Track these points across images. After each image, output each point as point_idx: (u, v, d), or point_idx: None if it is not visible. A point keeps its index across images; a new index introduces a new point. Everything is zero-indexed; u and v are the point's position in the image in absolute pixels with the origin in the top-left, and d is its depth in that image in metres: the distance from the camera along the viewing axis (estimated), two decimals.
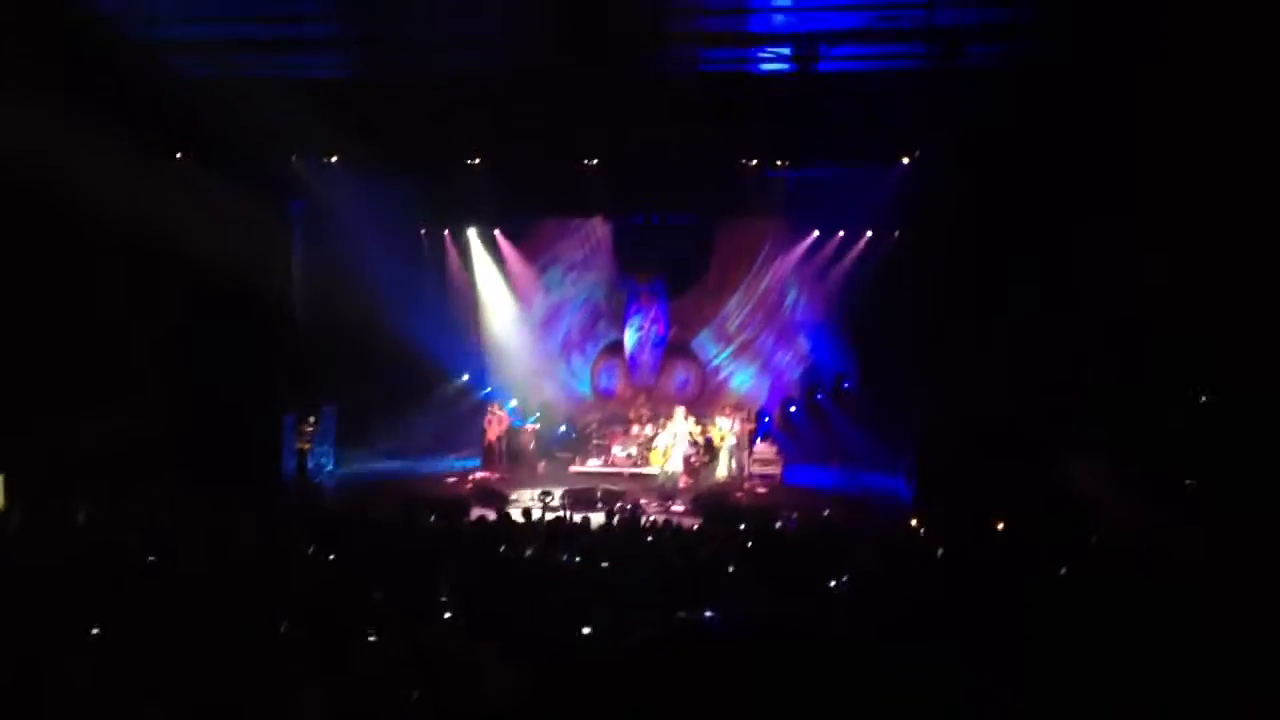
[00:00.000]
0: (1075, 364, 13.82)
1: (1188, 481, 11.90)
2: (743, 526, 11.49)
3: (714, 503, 14.70)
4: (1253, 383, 12.12)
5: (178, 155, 14.87)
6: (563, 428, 18.79)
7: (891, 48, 13.44)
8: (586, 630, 7.22)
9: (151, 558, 9.52)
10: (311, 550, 9.82)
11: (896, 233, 17.18)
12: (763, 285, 19.39)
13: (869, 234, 17.60)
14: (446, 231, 19.16)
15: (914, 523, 11.91)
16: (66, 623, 7.02)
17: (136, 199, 13.01)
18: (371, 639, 6.86)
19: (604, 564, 9.17)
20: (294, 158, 15.59)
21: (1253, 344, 11.97)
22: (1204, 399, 13.15)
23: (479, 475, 16.88)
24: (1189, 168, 11.86)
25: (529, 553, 9.84)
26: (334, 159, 15.55)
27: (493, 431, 17.37)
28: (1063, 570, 9.30)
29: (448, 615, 7.65)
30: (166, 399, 15.24)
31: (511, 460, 17.55)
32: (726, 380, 19.64)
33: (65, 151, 11.95)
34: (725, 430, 17.12)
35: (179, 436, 14.45)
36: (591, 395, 19.78)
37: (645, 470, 16.77)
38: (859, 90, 13.82)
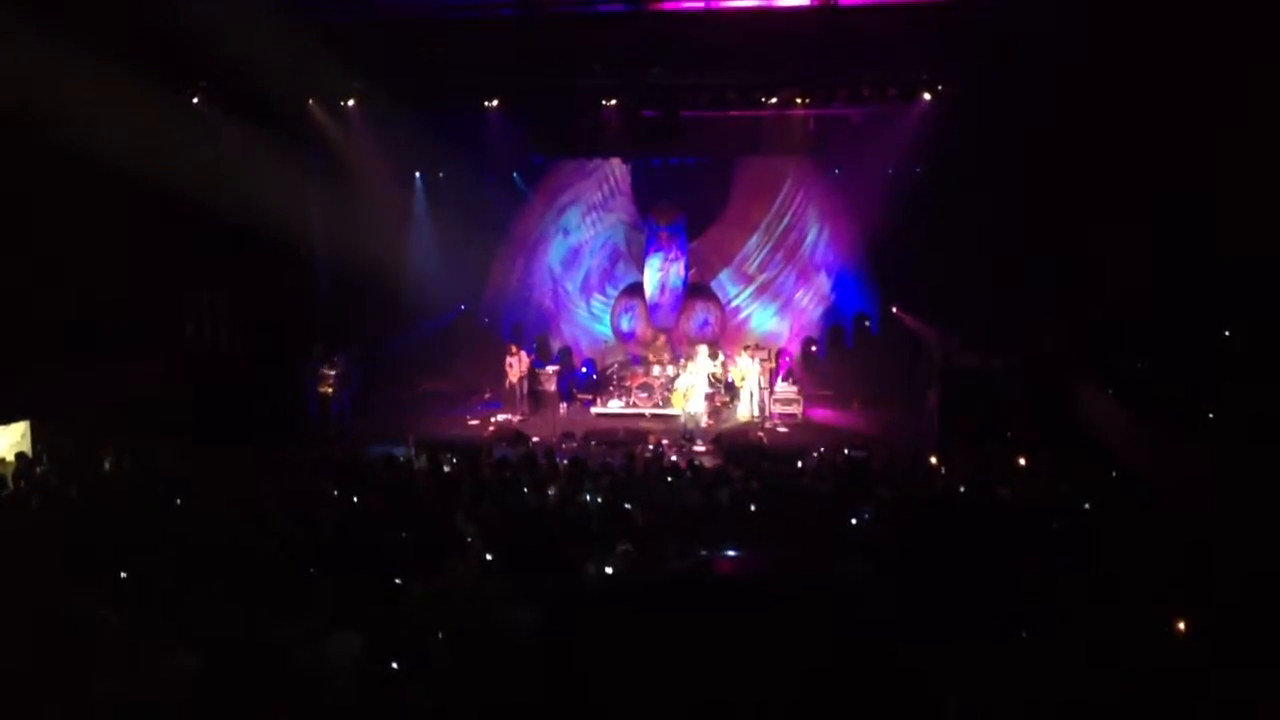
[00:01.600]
0: (1097, 302, 13.72)
1: (1210, 415, 11.82)
2: (764, 466, 11.53)
3: (735, 443, 14.76)
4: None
5: (194, 100, 14.81)
6: (584, 369, 18.81)
7: None
8: (609, 569, 7.29)
9: (178, 501, 9.67)
10: (337, 493, 9.93)
11: (918, 169, 16.99)
12: (783, 224, 19.29)
13: (890, 170, 17.41)
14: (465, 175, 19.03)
15: (934, 461, 11.90)
16: (96, 567, 7.13)
17: (153, 143, 12.97)
18: (398, 580, 6.96)
19: (626, 505, 9.23)
20: (310, 102, 15.54)
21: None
22: (1227, 334, 13.03)
23: (500, 417, 16.94)
24: (1218, 101, 11.62)
25: (551, 493, 9.92)
26: (350, 103, 15.49)
27: (514, 373, 17.40)
28: (1085, 507, 9.33)
29: (473, 555, 7.73)
30: (188, 344, 15.37)
31: (532, 402, 17.61)
32: (747, 320, 19.60)
33: (80, 95, 11.91)
34: (746, 370, 17.09)
35: (201, 382, 14.58)
36: (612, 337, 19.79)
37: (667, 411, 16.81)
38: (878, 24, 13.58)
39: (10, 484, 10.10)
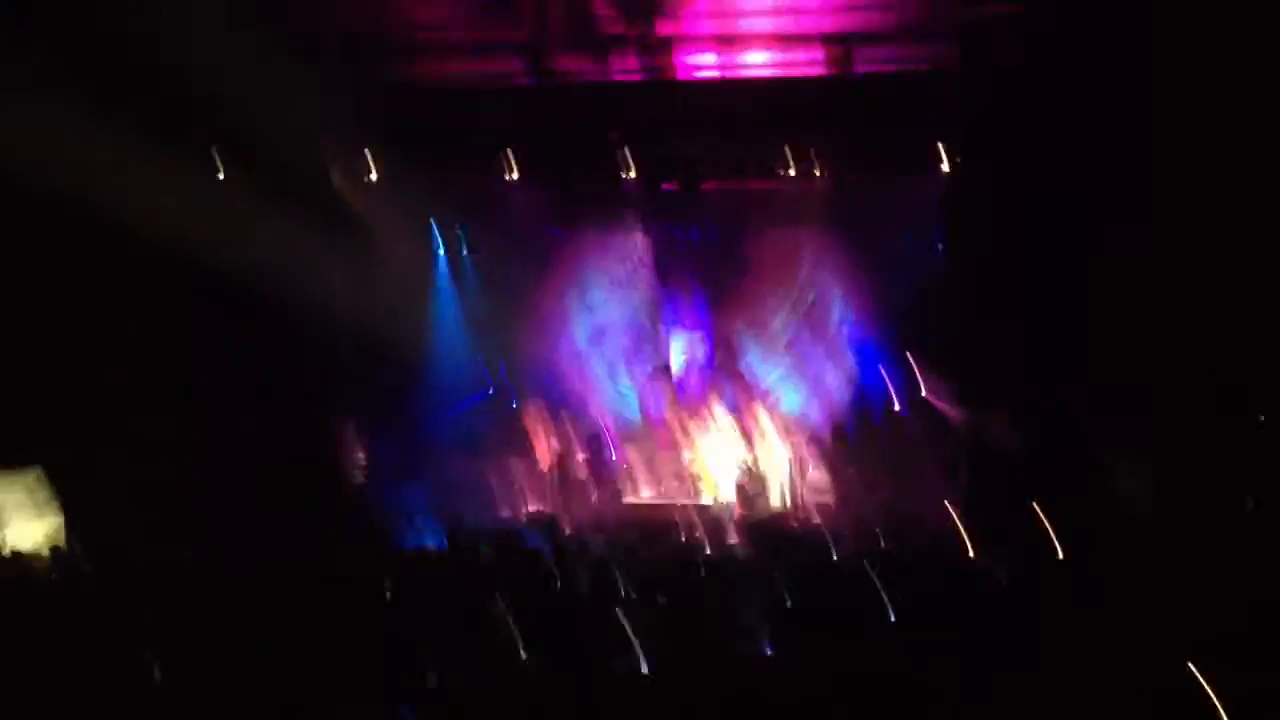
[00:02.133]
0: (1132, 377, 13.60)
1: (1250, 504, 11.69)
2: (798, 557, 11.43)
3: (767, 533, 14.61)
4: None
5: (218, 171, 14.89)
6: (613, 456, 18.72)
7: (926, 49, 13.27)
8: (643, 667, 7.23)
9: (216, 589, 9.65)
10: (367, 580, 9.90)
11: (940, 245, 16.93)
12: (805, 298, 19.05)
13: (910, 242, 17.34)
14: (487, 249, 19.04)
15: (971, 553, 11.76)
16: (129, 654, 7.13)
17: (174, 215, 13.04)
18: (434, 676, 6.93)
19: (659, 598, 9.16)
20: (332, 171, 15.69)
21: None
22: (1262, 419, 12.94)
23: (532, 505, 16.87)
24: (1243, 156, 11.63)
25: (584, 584, 9.86)
26: (372, 176, 15.61)
27: (544, 459, 17.37)
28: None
29: (508, 648, 7.67)
30: (210, 425, 15.20)
31: (563, 489, 17.51)
32: (776, 403, 19.45)
33: (98, 160, 12.07)
34: (776, 454, 16.97)
35: (225, 464, 14.41)
36: (640, 421, 19.68)
37: (699, 500, 16.68)
38: (897, 94, 13.66)
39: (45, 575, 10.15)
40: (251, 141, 13.47)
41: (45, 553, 11.33)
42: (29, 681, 6.64)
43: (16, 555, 11.48)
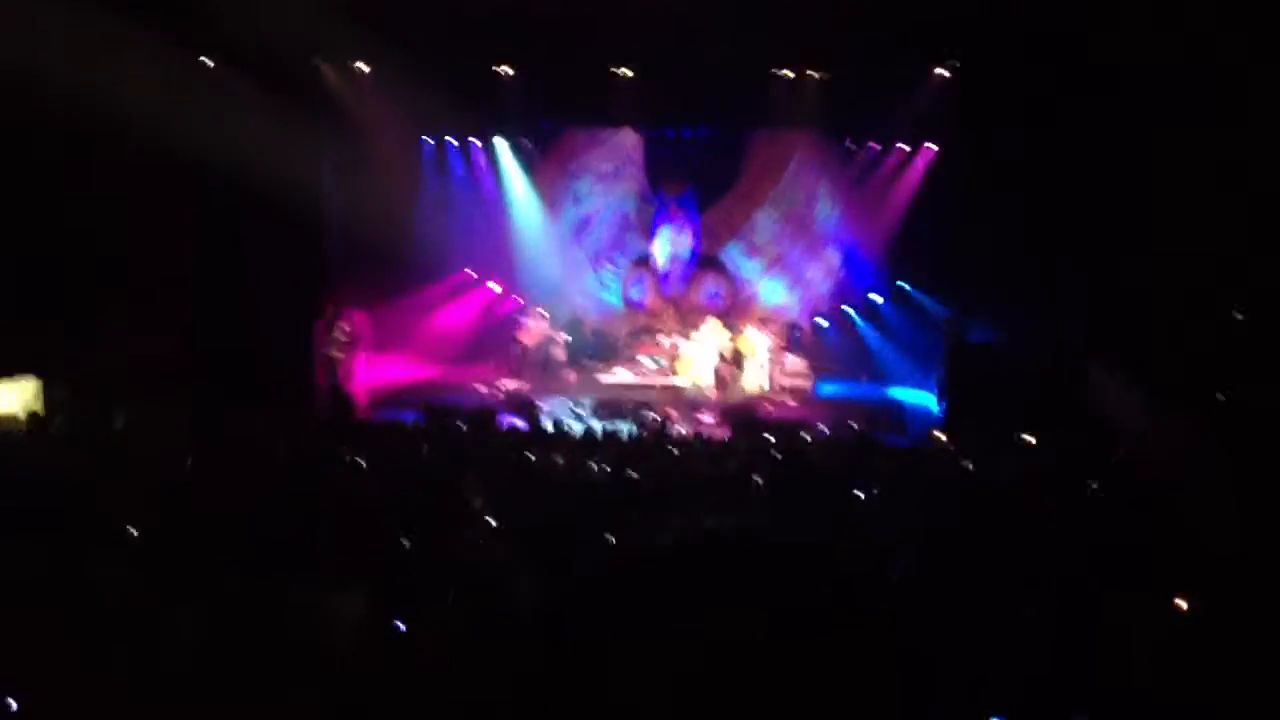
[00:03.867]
0: (1112, 281, 13.67)
1: (1218, 396, 11.82)
2: (770, 438, 11.56)
3: (742, 415, 14.79)
4: None
5: (204, 59, 14.73)
6: (592, 338, 18.81)
7: None
8: (613, 537, 7.33)
9: (189, 461, 9.72)
10: (343, 457, 9.98)
11: (934, 145, 16.91)
12: (794, 197, 19.18)
13: (903, 145, 17.33)
14: (476, 141, 18.96)
15: (942, 437, 11.92)
16: (105, 526, 7.19)
17: (163, 102, 12.95)
18: (406, 544, 7.01)
19: (633, 474, 9.27)
20: (320, 64, 15.48)
21: None
22: (1237, 315, 13.00)
23: (509, 384, 16.98)
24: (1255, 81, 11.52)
25: (558, 461, 9.97)
26: (363, 66, 15.41)
27: (529, 338, 17.42)
28: (1092, 486, 9.34)
29: (481, 521, 7.77)
30: (197, 306, 15.37)
31: (542, 369, 17.63)
32: (756, 293, 19.56)
33: (90, 55, 11.88)
34: (755, 343, 17.10)
35: (211, 345, 14.60)
36: (621, 306, 19.78)
37: (674, 381, 16.82)
38: None
39: (24, 441, 10.19)
40: (244, 37, 13.34)
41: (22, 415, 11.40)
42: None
43: None
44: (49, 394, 12.48)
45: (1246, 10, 11.24)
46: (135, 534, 7.13)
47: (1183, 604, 5.61)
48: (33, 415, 11.39)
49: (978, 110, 14.60)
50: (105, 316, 13.11)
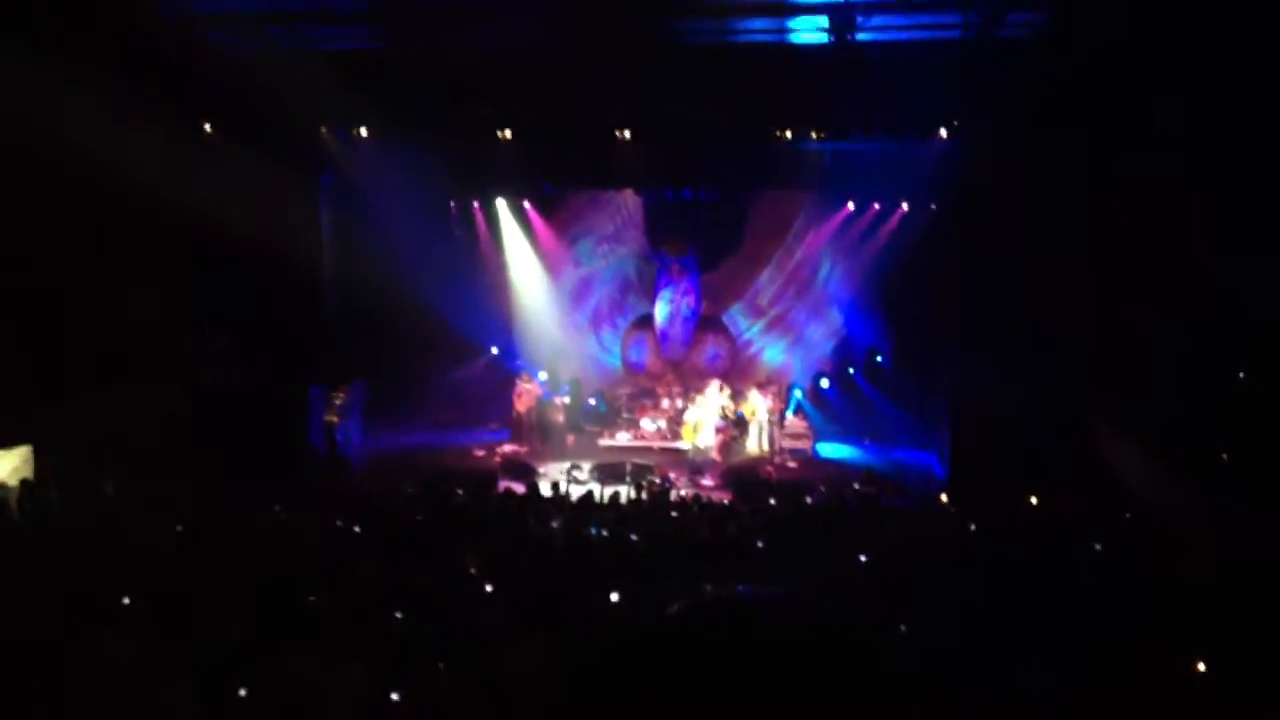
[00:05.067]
0: (1113, 342, 13.61)
1: (1223, 456, 11.72)
2: (772, 501, 11.44)
3: (743, 478, 14.66)
4: None
5: (206, 127, 14.86)
6: (592, 401, 18.73)
7: (929, 18, 13.21)
8: (614, 600, 7.20)
9: (179, 529, 9.59)
10: (340, 524, 9.86)
11: (933, 206, 16.97)
12: (796, 258, 19.22)
13: (905, 207, 17.40)
14: (476, 203, 19.04)
15: (944, 499, 11.79)
16: (98, 595, 7.07)
17: (165, 171, 13.01)
18: (399, 615, 6.87)
19: (632, 537, 9.15)
20: (323, 130, 15.58)
21: None
22: (1241, 376, 12.94)
23: (507, 448, 16.87)
24: (1237, 142, 11.57)
25: (556, 525, 9.84)
26: (363, 131, 15.51)
27: (522, 404, 17.34)
28: (1096, 548, 9.21)
29: (477, 588, 7.65)
30: (195, 373, 15.30)
31: (541, 433, 17.53)
32: (758, 354, 19.53)
33: (93, 124, 11.95)
34: (756, 405, 17.01)
35: (207, 411, 14.49)
36: (621, 369, 19.73)
37: (675, 445, 16.72)
38: (896, 62, 13.60)
39: (14, 509, 10.06)
40: (245, 103, 13.48)
41: (14, 484, 11.27)
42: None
43: None
44: (41, 462, 12.35)
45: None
46: (126, 603, 7.02)
47: (1200, 667, 5.49)
48: (24, 483, 11.27)
49: (978, 172, 14.64)
50: (101, 386, 13.01)
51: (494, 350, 19.40)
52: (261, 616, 6.65)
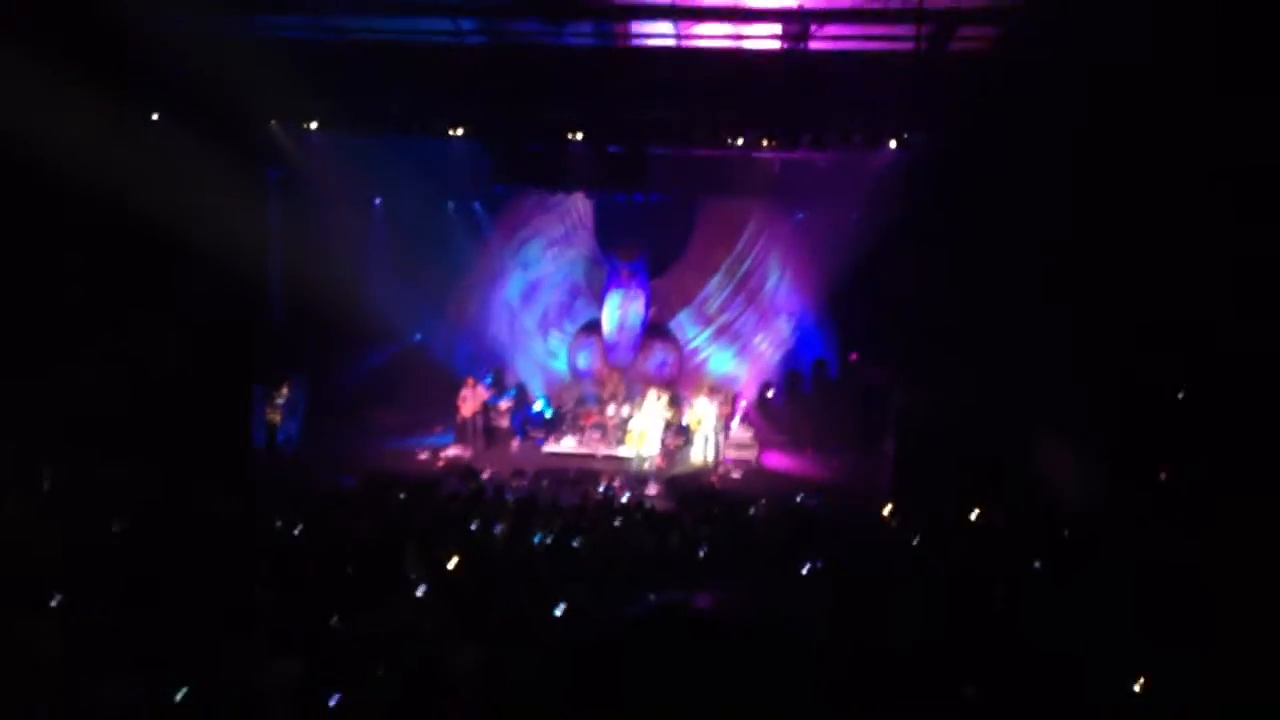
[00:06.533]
0: (1057, 357, 13.78)
1: (1161, 475, 11.92)
2: (715, 511, 11.45)
3: (687, 486, 14.67)
4: (1228, 377, 12.15)
5: (153, 116, 14.57)
6: (538, 406, 18.67)
7: (882, 28, 13.30)
8: (559, 611, 7.17)
9: (116, 528, 9.42)
10: (279, 524, 9.73)
11: (882, 217, 17.08)
12: (745, 267, 19.29)
13: (855, 217, 17.51)
14: (425, 203, 18.89)
15: (886, 512, 11.88)
16: (33, 590, 6.92)
17: (106, 159, 12.74)
18: (337, 615, 6.80)
19: (575, 544, 9.12)
20: (272, 123, 15.37)
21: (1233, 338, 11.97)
22: (1180, 393, 13.16)
23: (451, 452, 16.76)
24: (1187, 156, 11.76)
25: (499, 530, 9.79)
26: (313, 125, 15.31)
27: (467, 408, 17.23)
28: (1035, 565, 9.32)
29: (417, 592, 7.59)
30: (134, 366, 15.03)
31: (485, 437, 17.43)
32: (705, 362, 19.56)
33: (33, 108, 11.69)
34: (702, 413, 17.04)
35: (147, 405, 14.24)
36: (568, 374, 19.68)
37: (620, 452, 16.70)
38: (848, 72, 13.67)
39: None
40: (195, 93, 13.24)
41: None
42: None
43: None
44: None
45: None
46: (60, 598, 6.88)
47: (1139, 684, 5.57)
48: None
49: (928, 182, 14.74)
50: (37, 376, 12.74)
51: (439, 352, 19.26)
52: (199, 613, 6.56)
